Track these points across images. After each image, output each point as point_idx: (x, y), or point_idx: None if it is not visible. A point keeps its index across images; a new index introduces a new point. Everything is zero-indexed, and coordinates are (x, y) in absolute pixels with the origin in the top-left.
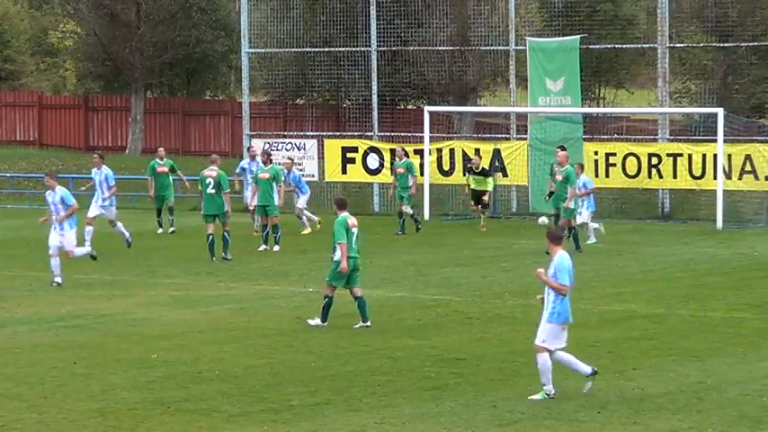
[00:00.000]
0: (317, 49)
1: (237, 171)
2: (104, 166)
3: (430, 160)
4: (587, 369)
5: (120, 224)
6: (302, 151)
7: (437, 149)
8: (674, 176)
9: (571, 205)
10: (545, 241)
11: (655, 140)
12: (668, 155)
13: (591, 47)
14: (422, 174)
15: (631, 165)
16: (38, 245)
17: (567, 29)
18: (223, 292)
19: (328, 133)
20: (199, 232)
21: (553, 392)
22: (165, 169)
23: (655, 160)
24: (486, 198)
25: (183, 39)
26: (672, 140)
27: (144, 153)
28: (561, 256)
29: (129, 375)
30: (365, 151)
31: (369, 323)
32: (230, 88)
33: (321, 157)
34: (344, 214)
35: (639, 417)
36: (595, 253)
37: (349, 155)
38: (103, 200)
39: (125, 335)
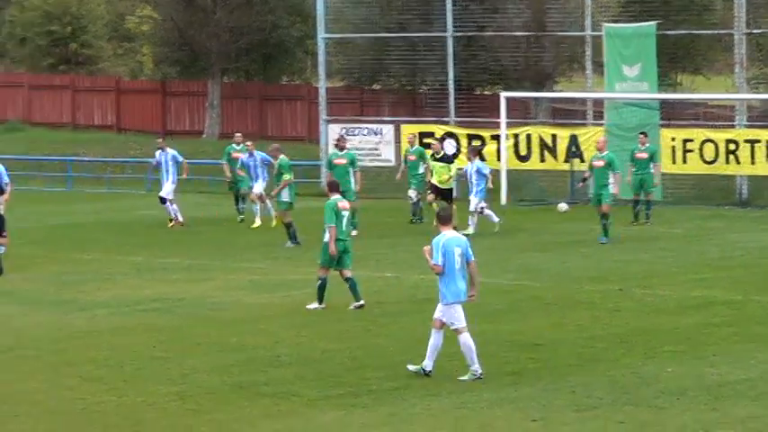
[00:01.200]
0: (393, 35)
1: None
2: (168, 148)
3: (507, 146)
4: (475, 372)
5: (170, 203)
6: (379, 136)
7: (514, 135)
8: (752, 162)
9: (616, 191)
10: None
11: (732, 127)
12: (746, 141)
13: (667, 32)
14: (498, 159)
15: (709, 151)
16: (116, 228)
17: (643, 14)
18: (301, 277)
19: (405, 118)
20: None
21: (429, 369)
22: (241, 155)
23: (732, 146)
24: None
25: (259, 24)
26: (749, 126)
27: (221, 138)
28: (440, 235)
29: (208, 359)
30: (441, 136)
31: (363, 302)
32: (306, 73)
33: (398, 142)
34: (335, 197)
35: (719, 403)
36: (673, 239)
37: (425, 140)
38: (176, 179)
39: (204, 319)
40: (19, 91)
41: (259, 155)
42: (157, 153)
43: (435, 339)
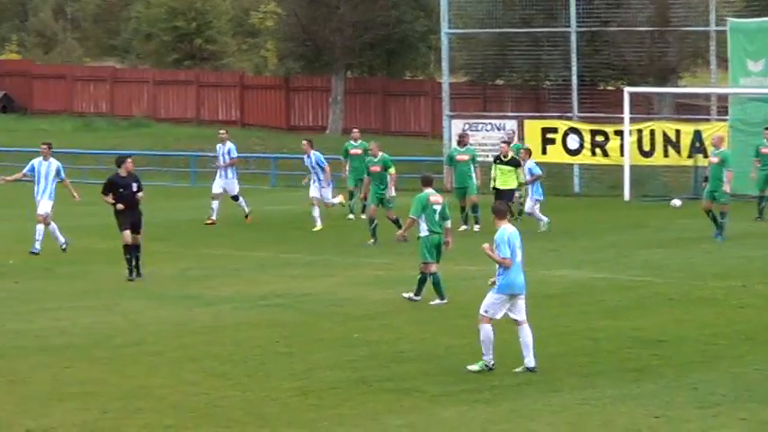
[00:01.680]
0: (516, 30)
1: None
2: (228, 142)
3: (630, 141)
4: (530, 363)
5: (242, 199)
6: (501, 132)
7: (637, 130)
8: None
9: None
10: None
11: None
12: None
13: None
14: (622, 154)
15: None
16: (241, 224)
17: (767, 10)
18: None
19: (528, 114)
20: (400, 213)
21: (492, 363)
22: (359, 151)
23: None
24: (518, 197)
25: (382, 19)
26: None
27: (344, 133)
28: (502, 230)
29: (331, 354)
30: (565, 132)
31: (446, 299)
32: (430, 69)
33: (521, 137)
34: (428, 191)
35: None
36: None
37: (549, 135)
38: (225, 172)
39: (327, 314)
40: (144, 87)
41: (314, 155)
42: (218, 146)
43: (488, 333)
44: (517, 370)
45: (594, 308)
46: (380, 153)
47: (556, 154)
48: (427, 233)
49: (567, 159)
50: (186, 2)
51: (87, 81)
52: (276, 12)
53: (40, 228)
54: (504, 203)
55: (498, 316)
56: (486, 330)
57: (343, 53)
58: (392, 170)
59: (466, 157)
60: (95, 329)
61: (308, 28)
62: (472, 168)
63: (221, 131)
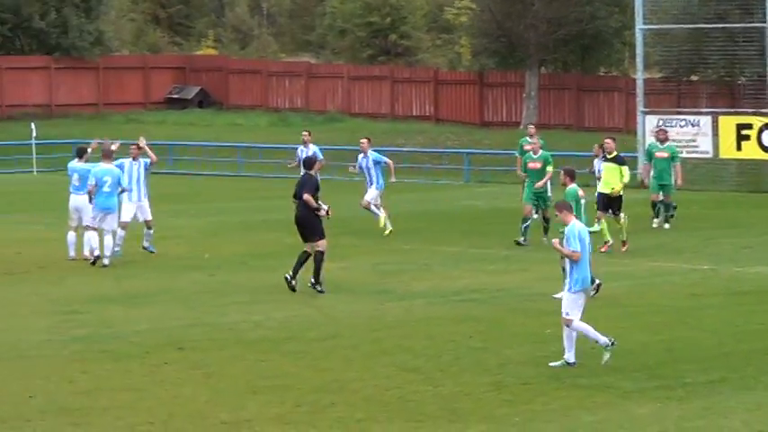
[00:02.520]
0: (711, 26)
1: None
2: (311, 144)
3: None
4: (605, 340)
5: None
6: (696, 128)
7: None
8: None
9: None
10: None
11: None
12: None
13: None
14: None
15: None
16: (434, 218)
17: None
18: (618, 269)
19: (723, 110)
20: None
21: (611, 341)
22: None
23: None
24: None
25: (577, 15)
26: None
27: (538, 129)
28: (572, 225)
29: (525, 350)
30: (760, 128)
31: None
32: (624, 64)
33: (715, 134)
34: (574, 186)
35: None
36: None
37: (743, 132)
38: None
39: (521, 309)
40: (339, 82)
41: (372, 155)
42: (300, 148)
43: (572, 332)
44: (554, 364)
45: None
46: (541, 150)
47: (750, 150)
48: None
49: (762, 156)
50: None
51: (282, 76)
52: (470, 8)
53: (121, 234)
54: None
55: (579, 315)
56: (573, 329)
57: (537, 49)
58: (549, 168)
59: (665, 155)
60: (289, 323)
61: (503, 24)
62: (672, 165)
63: (304, 132)
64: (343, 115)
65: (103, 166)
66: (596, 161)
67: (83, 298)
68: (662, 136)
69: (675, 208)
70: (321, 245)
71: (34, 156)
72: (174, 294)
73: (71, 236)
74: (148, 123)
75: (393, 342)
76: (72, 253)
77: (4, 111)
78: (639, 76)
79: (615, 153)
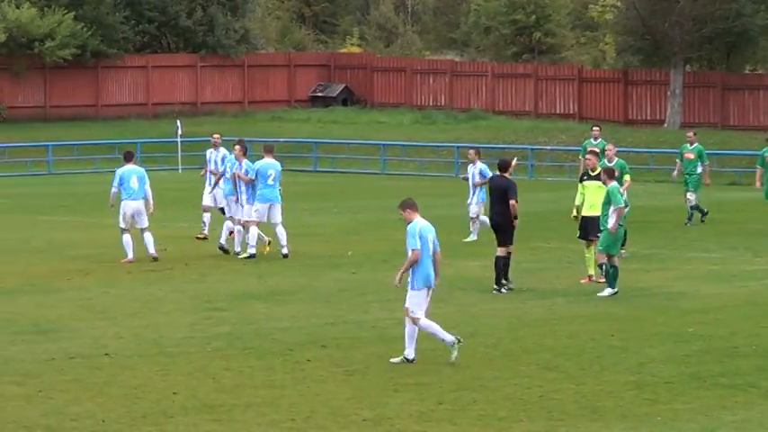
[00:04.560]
0: None
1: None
2: (222, 147)
3: None
4: (451, 338)
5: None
6: None
7: None
8: None
9: None
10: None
11: None
12: None
13: None
14: None
15: None
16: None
17: None
18: (761, 267)
19: None
20: (737, 207)
21: (412, 357)
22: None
23: None
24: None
25: (722, 12)
26: None
27: (682, 127)
28: (414, 223)
29: (666, 349)
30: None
31: (616, 290)
32: None
33: None
34: (615, 183)
35: None
36: None
37: None
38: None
39: (662, 308)
40: (483, 80)
41: (479, 166)
42: (208, 153)
43: (410, 327)
44: (394, 360)
45: None
46: (616, 158)
47: None
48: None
49: None
50: None
51: (426, 74)
52: (615, 5)
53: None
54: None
55: (423, 311)
56: (420, 328)
57: (682, 47)
58: (627, 177)
59: (692, 156)
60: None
61: (648, 21)
62: (698, 166)
63: (215, 135)
64: (487, 113)
65: (267, 160)
66: (470, 167)
67: (225, 295)
68: (691, 137)
69: (707, 213)
70: (507, 249)
71: (179, 153)
72: (317, 292)
73: (127, 238)
74: (293, 121)
75: (534, 340)
76: (131, 255)
77: (150, 109)
78: None
79: (599, 170)
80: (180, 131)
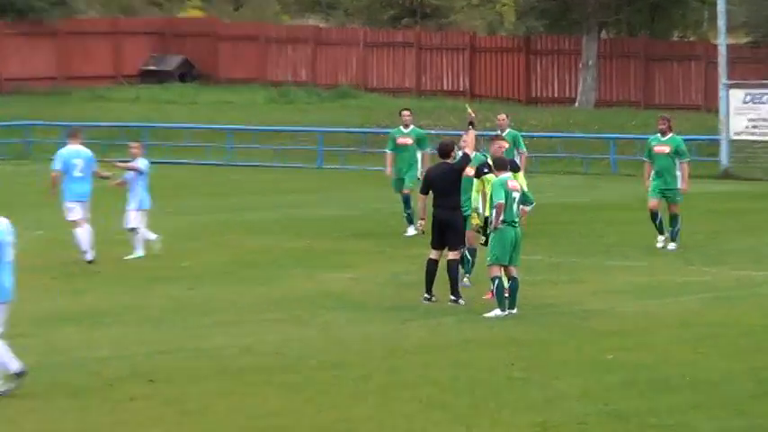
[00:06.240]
0: None
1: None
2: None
3: None
4: (17, 366)
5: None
6: None
7: None
8: None
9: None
10: None
11: None
12: None
13: None
14: None
15: None
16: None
17: None
18: (694, 278)
19: None
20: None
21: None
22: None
23: None
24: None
25: None
26: None
27: (597, 106)
28: None
29: (579, 381)
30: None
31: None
32: (703, 27)
33: None
34: (505, 174)
35: None
36: None
37: None
38: None
39: (573, 330)
40: (353, 50)
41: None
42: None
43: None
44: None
45: None
46: (509, 129)
47: None
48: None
49: None
50: None
51: (284, 43)
52: None
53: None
54: None
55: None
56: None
57: (596, 8)
58: (523, 149)
59: (667, 150)
60: (285, 348)
61: None
62: (675, 164)
63: (133, 144)
64: (357, 91)
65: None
66: None
67: (29, 318)
68: (663, 125)
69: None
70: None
71: None
72: (144, 313)
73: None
74: (119, 101)
75: (415, 372)
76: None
77: None
78: (722, 41)
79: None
80: None
